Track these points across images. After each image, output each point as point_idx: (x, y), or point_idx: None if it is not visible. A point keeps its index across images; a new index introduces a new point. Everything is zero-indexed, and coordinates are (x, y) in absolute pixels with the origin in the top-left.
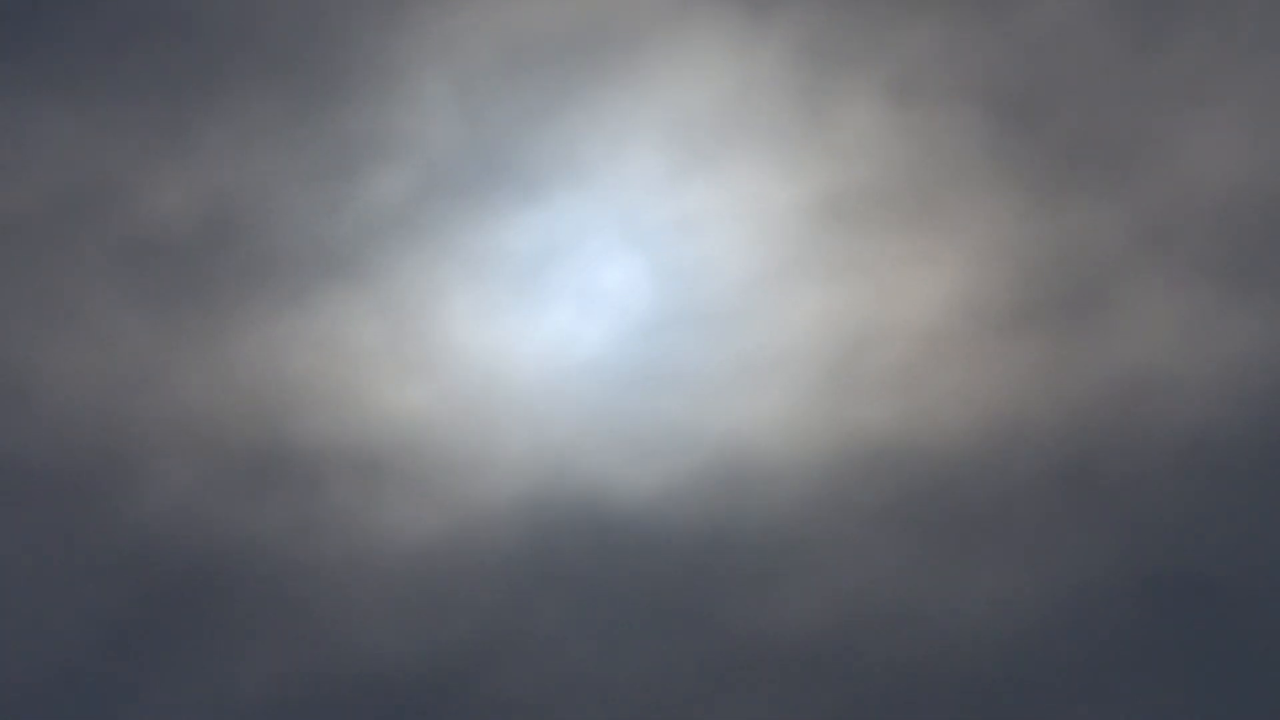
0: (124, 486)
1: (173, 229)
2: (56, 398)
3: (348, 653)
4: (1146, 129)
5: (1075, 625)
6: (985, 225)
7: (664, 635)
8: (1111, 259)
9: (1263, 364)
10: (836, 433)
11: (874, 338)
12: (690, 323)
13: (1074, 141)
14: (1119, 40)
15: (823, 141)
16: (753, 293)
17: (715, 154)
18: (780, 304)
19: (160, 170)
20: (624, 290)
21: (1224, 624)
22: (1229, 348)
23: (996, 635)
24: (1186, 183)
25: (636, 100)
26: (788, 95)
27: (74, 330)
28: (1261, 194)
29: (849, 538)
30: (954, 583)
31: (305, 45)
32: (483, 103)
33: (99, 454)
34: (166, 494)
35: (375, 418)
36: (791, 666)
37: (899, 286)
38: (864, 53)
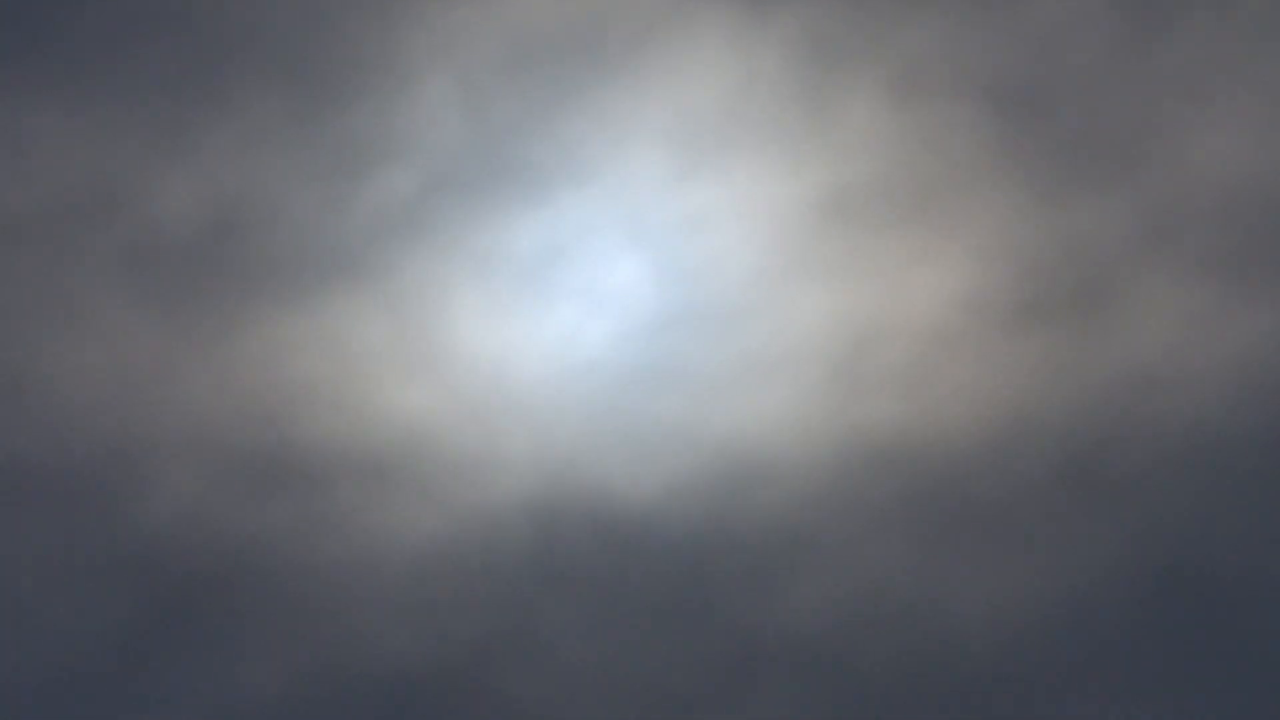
0: (129, 488)
1: (177, 230)
2: (61, 400)
3: (353, 654)
4: (1150, 125)
5: (1081, 621)
6: (989, 222)
7: (669, 634)
8: (1116, 255)
9: (1268, 359)
10: (841, 431)
11: (878, 336)
12: (694, 322)
13: (1078, 137)
14: (1122, 36)
15: (826, 139)
16: (757, 291)
17: (719, 153)
18: (784, 302)
19: (164, 172)
20: (628, 289)
21: (1230, 620)
22: (1234, 343)
23: (1002, 632)
24: (1191, 178)
25: (640, 99)
26: (791, 93)
27: (78, 332)
28: (1266, 189)
29: (854, 536)
30: (959, 580)
31: (309, 46)
32: (486, 102)
33: (104, 456)
34: (172, 496)
35: (380, 418)
36: (797, 664)
37: (903, 284)
38: (866, 50)
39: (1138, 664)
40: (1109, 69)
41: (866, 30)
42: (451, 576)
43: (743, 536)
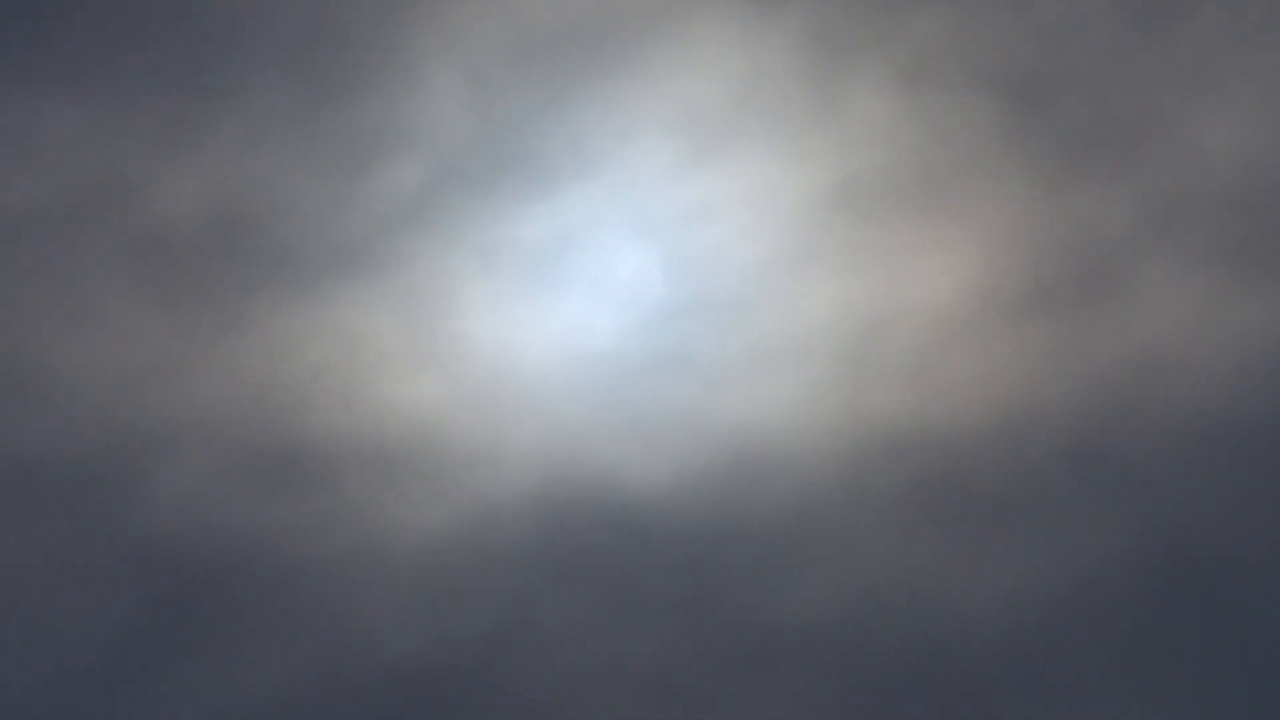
0: (135, 483)
1: (183, 224)
2: (67, 394)
3: (361, 647)
4: (1156, 113)
5: (1090, 609)
6: (996, 211)
7: (677, 625)
8: (1122, 243)
9: (1274, 345)
10: (850, 420)
11: (886, 324)
12: (702, 312)
13: (1084, 126)
14: (1128, 24)
15: (833, 129)
16: (764, 281)
17: (726, 142)
18: (792, 292)
19: (171, 166)
20: (636, 280)
21: (1237, 605)
22: (1241, 330)
23: (1011, 621)
24: (1197, 166)
25: (647, 89)
26: (798, 83)
27: (84, 326)
28: (1271, 176)
29: (863, 525)
30: (968, 568)
31: (315, 39)
32: (493, 94)
33: (110, 451)
34: (178, 490)
35: (387, 411)
36: (805, 654)
37: (911, 273)
38: (874, 39)
39: (1146, 651)
40: (1115, 58)
41: (873, 20)
42: (459, 568)
43: (751, 526)
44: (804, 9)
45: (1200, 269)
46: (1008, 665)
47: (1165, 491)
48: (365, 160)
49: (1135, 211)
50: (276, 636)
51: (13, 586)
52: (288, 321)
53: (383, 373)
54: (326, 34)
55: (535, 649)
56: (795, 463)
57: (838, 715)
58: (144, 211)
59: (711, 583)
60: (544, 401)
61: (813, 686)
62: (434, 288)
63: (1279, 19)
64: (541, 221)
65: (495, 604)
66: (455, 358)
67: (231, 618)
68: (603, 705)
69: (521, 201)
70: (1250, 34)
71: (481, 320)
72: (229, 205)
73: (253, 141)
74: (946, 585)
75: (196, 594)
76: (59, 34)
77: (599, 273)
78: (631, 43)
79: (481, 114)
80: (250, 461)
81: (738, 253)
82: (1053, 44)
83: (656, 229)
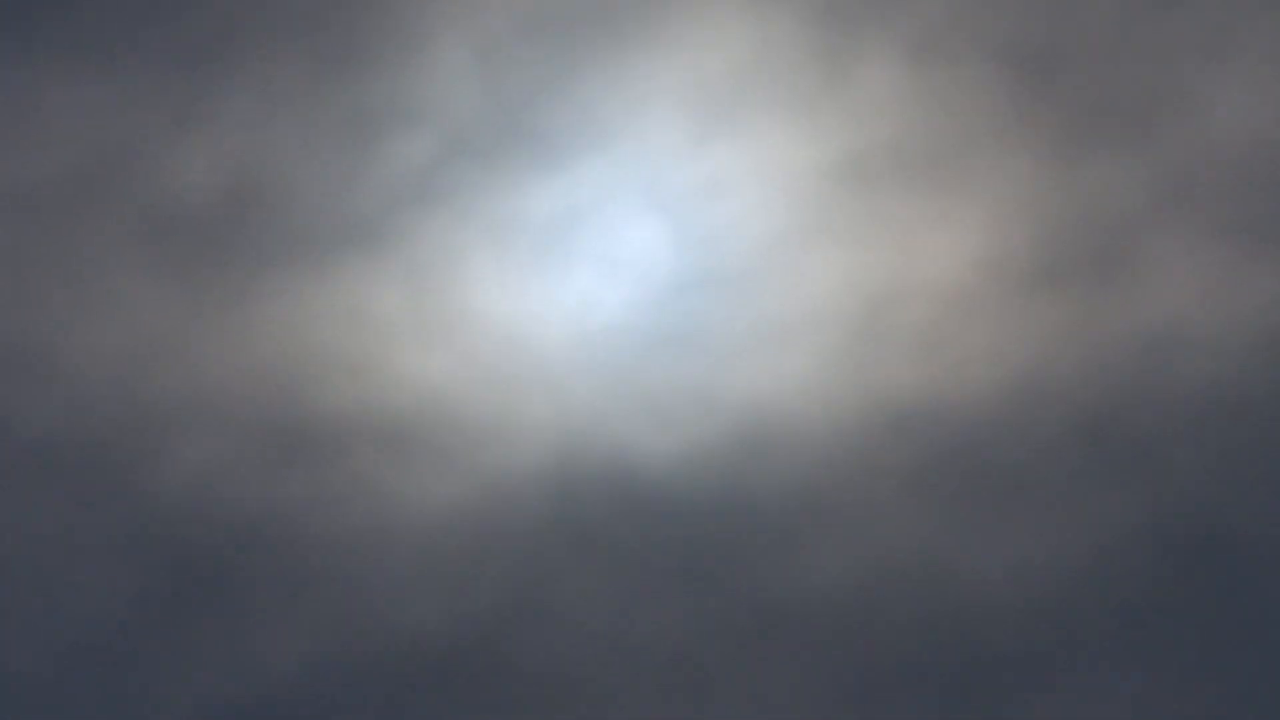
0: (145, 459)
1: (193, 200)
2: (78, 370)
3: (371, 622)
4: (1166, 86)
5: (1099, 583)
6: (1006, 184)
7: (688, 599)
8: (1133, 216)
9: None
10: (859, 394)
11: (896, 298)
12: (712, 286)
13: (1094, 99)
14: None
15: (843, 102)
16: (774, 255)
17: (735, 117)
18: (802, 266)
19: (180, 141)
20: (645, 254)
21: (1247, 580)
22: (1251, 304)
23: (1021, 594)
24: (1207, 139)
25: (656, 64)
26: (807, 57)
27: (94, 303)
28: None
29: (872, 499)
30: (978, 542)
31: (324, 13)
32: (503, 68)
33: (120, 426)
34: (189, 466)
35: (397, 386)
36: (816, 627)
37: (920, 247)
38: (882, 13)
39: (1155, 624)
40: (1125, 31)
41: None
42: (470, 543)
43: (761, 500)
44: None
45: (1211, 243)
46: (1017, 638)
47: (1175, 466)
48: (375, 135)
49: (1146, 185)
50: (287, 612)
51: (25, 562)
52: (297, 297)
53: (393, 348)
54: (336, 9)
55: (546, 623)
56: (805, 437)
57: (848, 688)
58: (154, 187)
59: (721, 556)
60: (554, 376)
61: (823, 660)
62: (444, 262)
63: None
64: (551, 196)
65: (506, 578)
66: (465, 333)
67: (242, 593)
68: (614, 678)
69: (531, 176)
70: (1262, 7)
71: (491, 295)
72: (239, 181)
73: (262, 117)
74: (956, 559)
75: (207, 569)
76: (68, 10)
77: (609, 247)
78: (641, 17)
79: (491, 89)
80: (261, 437)
81: (747, 227)
82: (1062, 17)
83: (666, 204)
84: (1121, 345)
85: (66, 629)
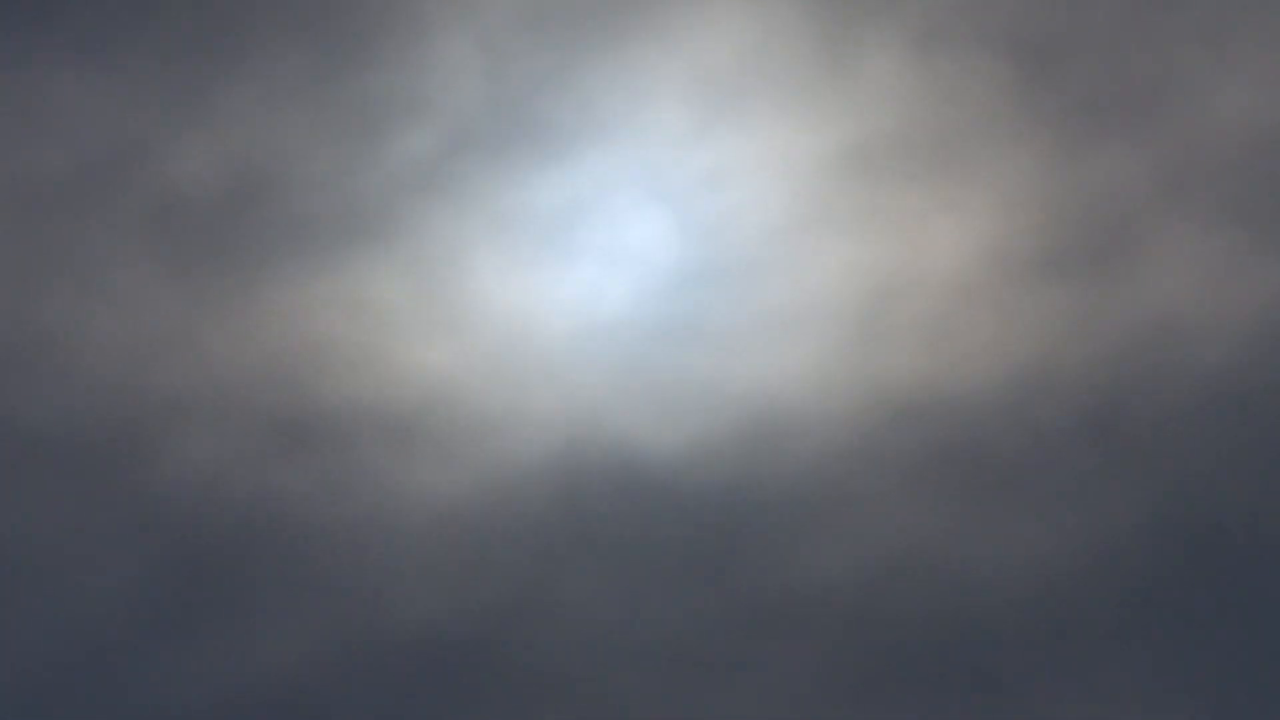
0: (150, 450)
1: (197, 191)
2: (82, 363)
3: (375, 614)
4: (1171, 75)
5: (1104, 573)
6: (1010, 174)
7: (693, 591)
8: (1136, 206)
9: None
10: (864, 385)
11: (900, 288)
12: (716, 277)
13: (1098, 88)
14: None
15: (846, 92)
16: (778, 246)
17: (739, 107)
18: (806, 256)
19: (184, 133)
20: (650, 245)
21: (1252, 571)
22: (1255, 292)
23: (1026, 584)
24: (1211, 129)
25: (659, 55)
26: (811, 46)
27: (98, 294)
28: None
29: (877, 489)
30: (983, 532)
31: (328, 6)
32: (506, 60)
33: (124, 418)
34: (193, 458)
35: (402, 378)
36: (821, 620)
37: (925, 237)
38: (885, 3)
39: (1161, 615)
40: (1130, 20)
41: None
42: (474, 535)
43: (767, 491)
44: None
45: (1216, 232)
46: (1023, 629)
47: (1181, 455)
48: (378, 127)
49: (1150, 174)
50: (291, 604)
51: (29, 555)
52: (301, 288)
53: (396, 340)
54: (340, 2)
55: (550, 614)
56: (810, 427)
57: (853, 679)
58: (157, 179)
59: (727, 548)
60: (558, 368)
61: (828, 651)
62: (448, 254)
63: None
64: (554, 188)
65: (510, 570)
66: (469, 324)
67: (246, 585)
68: (618, 670)
69: (534, 168)
70: None
71: (495, 287)
72: (242, 173)
73: (266, 109)
74: (961, 549)
75: (211, 561)
76: (72, 5)
77: (612, 239)
78: (643, 9)
79: (494, 80)
80: (265, 429)
81: (751, 218)
82: (1065, 7)
83: (670, 194)
84: (1125, 335)
85: (71, 622)
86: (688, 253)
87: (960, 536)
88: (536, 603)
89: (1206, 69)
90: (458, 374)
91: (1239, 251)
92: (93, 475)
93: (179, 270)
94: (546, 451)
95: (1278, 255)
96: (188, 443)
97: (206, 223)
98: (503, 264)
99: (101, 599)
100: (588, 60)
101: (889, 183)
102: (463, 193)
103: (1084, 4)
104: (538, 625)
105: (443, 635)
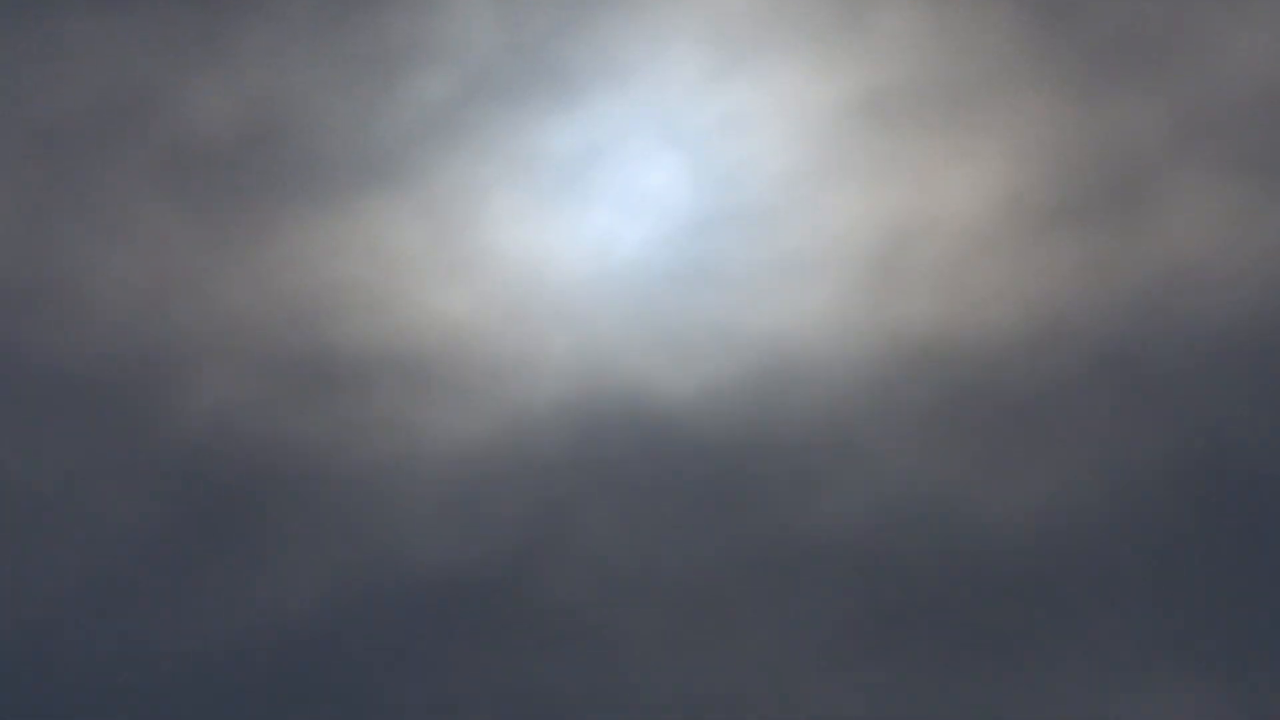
0: (166, 393)
1: (214, 136)
2: (97, 304)
3: (392, 556)
4: (1184, 24)
5: (1119, 519)
6: (1024, 122)
7: (707, 533)
8: (1151, 154)
9: None
10: (878, 331)
11: (915, 235)
12: (731, 222)
13: (1112, 37)
14: None
15: (862, 40)
16: (793, 192)
17: (755, 54)
18: (821, 203)
19: (200, 77)
20: (664, 191)
21: (1269, 516)
22: (1269, 240)
23: (1040, 530)
24: (1225, 77)
25: (675, 1)
26: None
27: (114, 238)
28: None
29: (890, 434)
30: (997, 478)
31: None
32: (523, 5)
33: (140, 361)
34: (210, 401)
35: (417, 322)
36: (834, 563)
37: (939, 184)
38: None
39: (1175, 560)
40: None
41: None
42: (489, 478)
43: (780, 436)
44: None
45: (1229, 180)
46: (1036, 574)
47: (1194, 401)
48: (394, 72)
49: (1164, 123)
50: (306, 547)
51: (44, 496)
52: (317, 233)
53: (413, 284)
54: None
55: (565, 556)
56: (823, 373)
57: (866, 624)
58: (173, 124)
59: (741, 491)
60: (573, 312)
61: (843, 594)
62: (463, 199)
63: None
64: (570, 133)
65: (526, 514)
66: (484, 269)
67: (261, 528)
68: (631, 613)
69: (550, 113)
70: None
71: (510, 231)
72: (258, 117)
73: (282, 53)
74: (975, 495)
75: (226, 502)
76: None
77: (628, 184)
78: None
79: (510, 25)
80: (280, 372)
81: (766, 164)
82: None
83: (685, 140)
84: (1139, 281)
85: (86, 564)
86: (703, 198)
87: (974, 480)
88: (551, 545)
89: (1220, 17)
90: (474, 318)
91: (1252, 199)
92: (110, 417)
93: (196, 213)
94: (562, 395)
95: None
96: (204, 385)
97: (223, 166)
98: (519, 209)
99: (118, 540)
100: (604, 5)
101: (904, 130)
102: (479, 137)
103: None
104: (552, 567)
105: (458, 577)
